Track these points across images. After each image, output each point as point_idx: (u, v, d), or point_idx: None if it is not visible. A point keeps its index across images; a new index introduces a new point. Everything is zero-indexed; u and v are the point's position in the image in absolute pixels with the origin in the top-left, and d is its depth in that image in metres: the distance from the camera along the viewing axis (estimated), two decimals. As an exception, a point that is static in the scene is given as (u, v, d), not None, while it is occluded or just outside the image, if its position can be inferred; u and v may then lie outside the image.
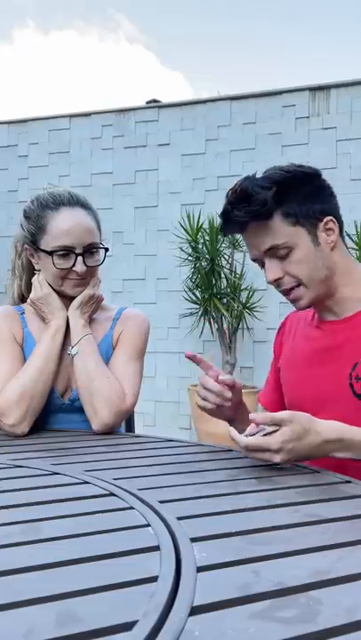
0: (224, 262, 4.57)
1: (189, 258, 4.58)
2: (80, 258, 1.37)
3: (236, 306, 4.45)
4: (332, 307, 1.21)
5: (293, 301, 1.20)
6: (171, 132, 5.03)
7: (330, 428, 1.00)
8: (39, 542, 0.65)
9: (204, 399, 1.18)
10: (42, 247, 1.38)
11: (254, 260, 1.21)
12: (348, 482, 0.92)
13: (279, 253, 1.15)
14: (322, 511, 0.77)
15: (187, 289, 4.62)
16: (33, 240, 1.40)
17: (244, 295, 4.50)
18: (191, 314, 4.64)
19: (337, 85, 4.62)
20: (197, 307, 4.59)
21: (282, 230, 1.14)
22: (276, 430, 0.96)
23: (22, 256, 1.48)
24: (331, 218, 1.17)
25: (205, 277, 4.51)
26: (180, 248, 4.62)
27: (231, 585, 0.54)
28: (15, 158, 5.50)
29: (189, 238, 4.58)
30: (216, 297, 4.47)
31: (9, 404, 1.31)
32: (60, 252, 1.36)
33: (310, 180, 1.18)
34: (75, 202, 1.39)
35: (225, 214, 1.17)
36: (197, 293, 4.60)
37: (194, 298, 4.60)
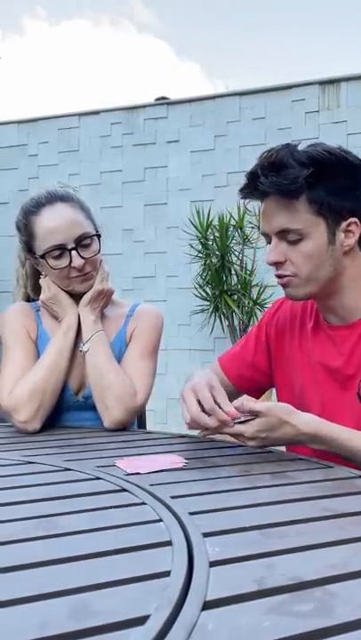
0: (234, 259, 4.56)
1: (199, 254, 4.58)
2: (74, 252, 1.35)
3: (246, 302, 4.43)
4: (336, 310, 1.15)
5: (284, 287, 1.13)
6: (180, 128, 5.02)
7: (306, 422, 1.02)
8: (52, 537, 0.65)
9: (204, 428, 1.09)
10: (38, 253, 1.39)
11: (263, 234, 1.15)
12: (363, 476, 0.91)
13: (290, 237, 1.08)
14: (337, 506, 0.76)
15: (197, 286, 4.62)
16: (29, 249, 1.41)
17: (254, 291, 4.49)
18: (202, 311, 4.63)
19: (347, 79, 4.59)
20: (208, 303, 4.58)
21: (302, 215, 1.07)
22: (253, 418, 1.03)
23: (26, 265, 1.49)
24: (355, 220, 1.09)
25: (216, 274, 4.50)
26: (190, 245, 4.61)
27: (245, 579, 0.54)
28: (25, 157, 5.52)
29: (199, 235, 4.57)
30: (227, 293, 4.46)
31: (20, 400, 1.31)
32: (54, 253, 1.36)
33: (352, 171, 1.08)
34: (53, 199, 1.38)
35: (251, 176, 1.08)
36: (208, 290, 4.59)
37: (204, 295, 4.60)
